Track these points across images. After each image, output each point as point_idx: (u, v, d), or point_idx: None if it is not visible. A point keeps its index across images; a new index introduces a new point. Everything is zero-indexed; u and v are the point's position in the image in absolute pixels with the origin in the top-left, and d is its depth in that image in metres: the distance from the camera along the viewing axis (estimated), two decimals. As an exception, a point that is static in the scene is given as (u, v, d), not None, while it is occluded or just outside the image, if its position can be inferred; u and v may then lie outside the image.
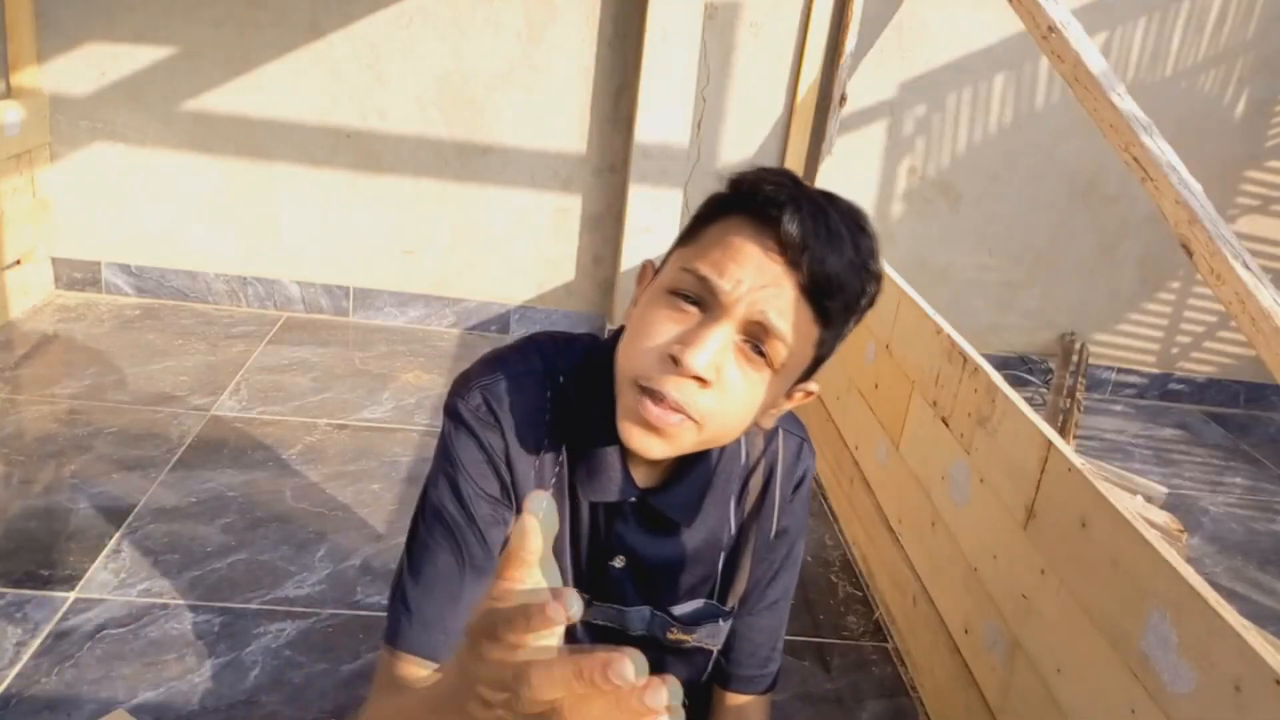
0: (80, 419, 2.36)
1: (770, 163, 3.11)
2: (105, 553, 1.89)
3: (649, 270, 0.86)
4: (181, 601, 1.79)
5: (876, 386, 2.23)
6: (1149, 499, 2.52)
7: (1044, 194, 3.27)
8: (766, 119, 3.11)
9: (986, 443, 1.66)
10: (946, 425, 1.83)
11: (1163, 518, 2.26)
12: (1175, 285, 3.44)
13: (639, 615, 0.96)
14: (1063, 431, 2.86)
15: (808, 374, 0.84)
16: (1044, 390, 3.31)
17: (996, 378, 1.68)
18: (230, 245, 3.11)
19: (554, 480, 0.89)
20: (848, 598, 2.10)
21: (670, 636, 0.97)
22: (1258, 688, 1.00)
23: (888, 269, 2.25)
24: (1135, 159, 1.83)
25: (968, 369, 1.76)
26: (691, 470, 0.89)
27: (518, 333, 3.20)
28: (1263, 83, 3.20)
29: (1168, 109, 3.11)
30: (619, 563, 0.92)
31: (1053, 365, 3.39)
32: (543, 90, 3.02)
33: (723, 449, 0.90)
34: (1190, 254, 1.74)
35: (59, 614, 1.72)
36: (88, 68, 2.89)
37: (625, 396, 0.79)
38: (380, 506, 2.17)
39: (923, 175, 3.23)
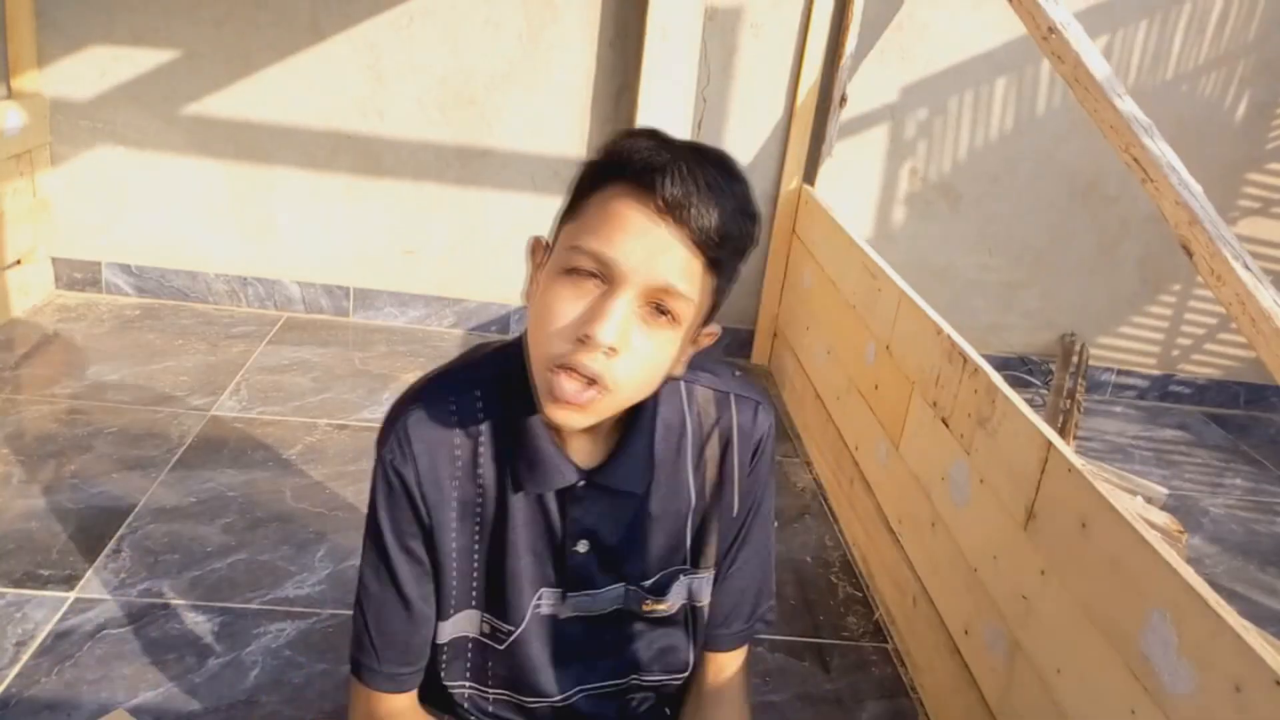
0: (80, 419, 2.36)
1: (771, 163, 3.13)
2: (105, 553, 1.89)
3: (540, 247, 0.90)
4: (181, 601, 1.79)
5: (876, 387, 2.23)
6: (1149, 500, 2.52)
7: (1044, 195, 3.28)
8: (767, 120, 3.11)
9: (987, 443, 1.66)
10: (947, 426, 1.83)
11: (1163, 519, 2.26)
12: (1176, 287, 3.44)
13: (612, 595, 0.98)
14: (1063, 433, 2.86)
15: (708, 318, 0.88)
16: (1044, 391, 3.31)
17: (997, 378, 1.68)
18: (230, 245, 3.11)
19: (479, 489, 0.93)
20: (848, 598, 2.10)
21: (645, 608, 0.99)
22: (1258, 688, 1.00)
23: (886, 268, 2.25)
24: (1135, 160, 1.83)
25: (968, 370, 1.76)
26: (631, 442, 0.92)
27: (518, 333, 3.20)
28: (1264, 85, 3.20)
29: (1169, 111, 3.11)
30: (582, 548, 0.94)
31: (1053, 366, 3.39)
32: (543, 91, 3.02)
33: (658, 415, 0.94)
34: (1190, 255, 1.74)
35: (59, 614, 1.72)
36: (88, 68, 2.89)
37: (541, 378, 0.82)
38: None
39: (924, 176, 3.24)
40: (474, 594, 0.97)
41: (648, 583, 0.99)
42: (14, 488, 2.07)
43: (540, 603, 0.97)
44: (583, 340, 0.79)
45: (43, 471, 2.13)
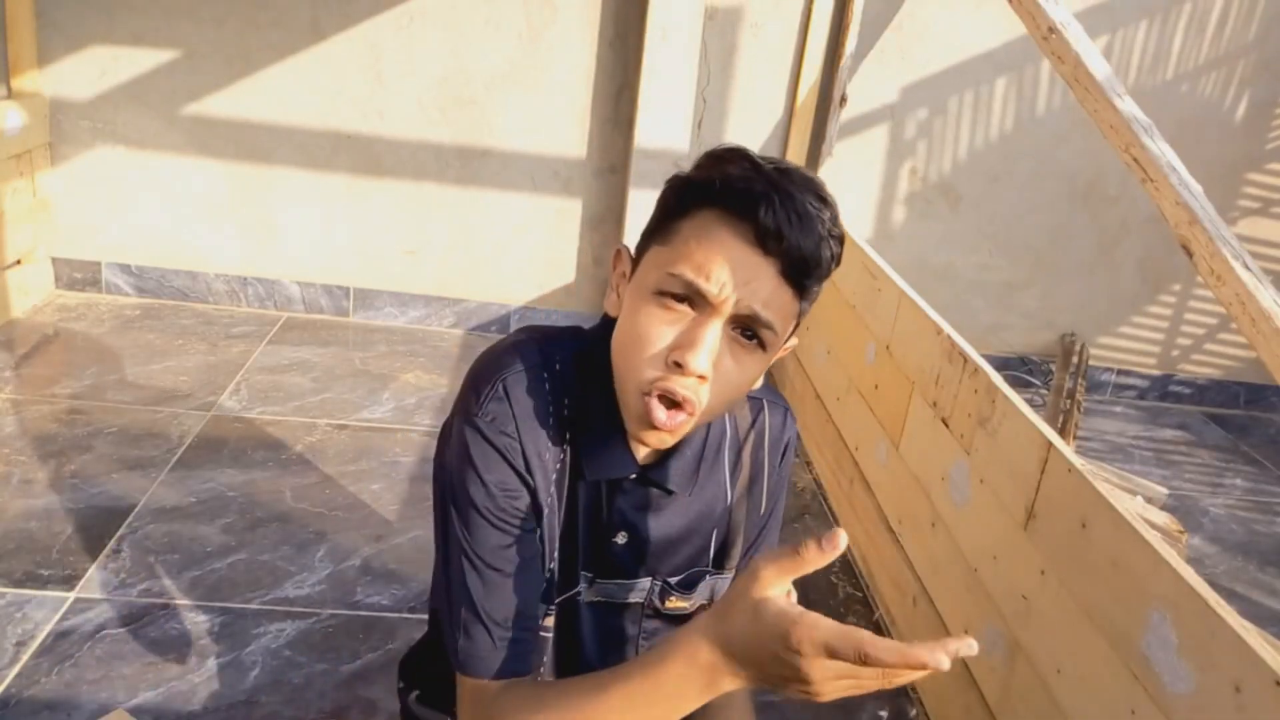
0: (80, 419, 2.36)
1: (771, 163, 3.13)
2: (105, 553, 1.90)
3: (624, 257, 0.90)
4: (181, 601, 1.79)
5: (876, 387, 2.23)
6: (1149, 500, 2.52)
7: (1044, 195, 3.28)
8: (767, 120, 3.11)
9: (987, 443, 1.66)
10: (947, 426, 1.83)
11: (1163, 518, 2.26)
12: (1176, 287, 3.44)
13: (638, 587, 0.99)
14: (1063, 433, 2.86)
15: (790, 335, 0.90)
16: (1044, 391, 3.31)
17: (997, 378, 1.68)
18: (231, 245, 3.11)
19: (558, 466, 0.91)
20: (848, 598, 2.10)
21: (669, 605, 1.00)
22: (1258, 689, 1.00)
23: (886, 269, 2.25)
24: (1135, 160, 1.84)
25: (968, 370, 1.76)
26: (686, 443, 0.93)
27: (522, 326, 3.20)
28: (1263, 85, 3.20)
29: (1169, 111, 3.11)
30: (621, 539, 0.95)
31: (1053, 366, 3.39)
32: (543, 91, 3.02)
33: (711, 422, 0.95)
34: (1190, 255, 1.74)
35: (59, 614, 1.72)
36: (88, 68, 2.89)
37: (632, 400, 0.84)
38: (381, 507, 2.17)
39: (924, 176, 3.24)
40: (554, 580, 0.96)
41: (675, 579, 1.00)
42: (14, 487, 2.07)
43: (580, 589, 0.98)
44: (675, 366, 0.81)
45: (43, 471, 2.13)
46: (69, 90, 2.91)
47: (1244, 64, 3.18)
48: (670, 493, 0.94)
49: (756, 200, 0.78)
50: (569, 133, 3.07)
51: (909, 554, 1.95)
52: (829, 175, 3.12)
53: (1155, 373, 3.54)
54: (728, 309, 0.80)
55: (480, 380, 0.89)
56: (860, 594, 2.12)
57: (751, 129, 3.11)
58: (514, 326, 3.23)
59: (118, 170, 3.00)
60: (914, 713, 1.80)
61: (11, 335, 2.78)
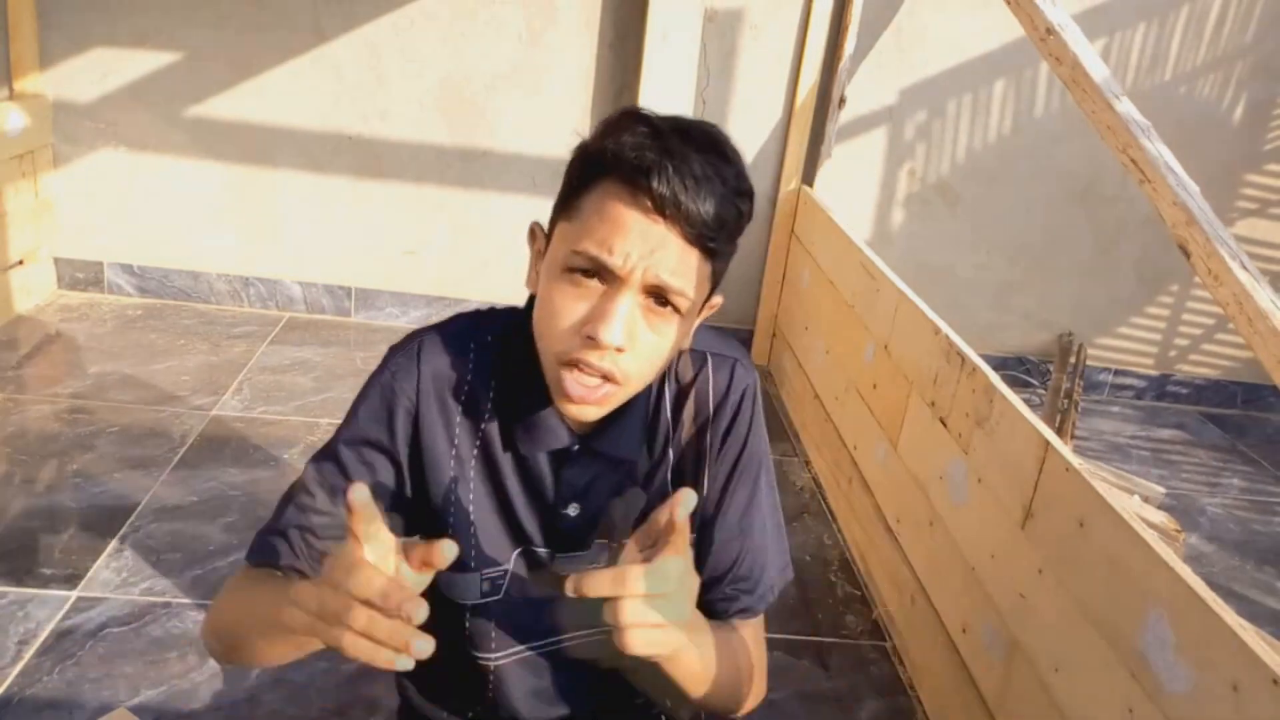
0: (83, 418, 2.37)
1: (770, 164, 3.13)
2: (107, 551, 1.90)
3: (539, 234, 0.92)
4: (183, 600, 1.80)
5: (875, 387, 2.24)
6: (1147, 499, 2.53)
7: (1042, 195, 3.28)
8: (766, 121, 3.12)
9: (984, 443, 1.66)
10: (945, 425, 1.83)
11: (1160, 518, 2.27)
12: (1173, 287, 3.45)
13: (602, 560, 0.97)
14: (1061, 432, 2.87)
15: (710, 294, 0.90)
16: (1042, 391, 3.32)
17: (994, 378, 1.68)
18: (232, 245, 3.12)
19: (478, 440, 0.93)
20: (846, 597, 2.11)
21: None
22: (1255, 688, 1.01)
23: (884, 269, 2.26)
24: (1133, 161, 1.84)
25: (966, 369, 1.77)
26: (630, 410, 0.92)
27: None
28: (1261, 86, 3.21)
29: (1167, 113, 3.12)
30: (573, 510, 0.94)
31: (1051, 366, 3.40)
32: (543, 92, 3.03)
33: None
34: (1188, 255, 1.74)
35: (61, 613, 1.73)
36: (90, 69, 2.90)
37: (552, 374, 0.85)
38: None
39: (922, 178, 3.24)
40: (472, 552, 0.95)
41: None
42: (16, 487, 2.07)
43: (520, 560, 0.97)
44: (589, 340, 0.81)
45: (45, 471, 2.14)
46: (71, 91, 2.92)
47: (1241, 65, 3.19)
48: (622, 460, 0.94)
49: (649, 168, 0.78)
50: (569, 134, 3.05)
51: (907, 553, 1.96)
52: (828, 176, 3.12)
53: (1153, 373, 3.55)
54: (635, 280, 0.80)
55: (400, 342, 0.94)
56: (859, 593, 2.12)
57: (751, 130, 3.11)
58: (514, 327, 3.24)
59: (120, 171, 3.01)
60: (912, 711, 1.81)
61: (14, 335, 2.79)
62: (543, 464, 0.94)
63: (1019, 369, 3.45)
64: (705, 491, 0.98)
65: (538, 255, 0.91)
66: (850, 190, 3.20)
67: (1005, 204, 3.28)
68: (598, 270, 0.81)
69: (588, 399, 0.83)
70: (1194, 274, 1.81)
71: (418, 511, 0.95)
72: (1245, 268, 1.65)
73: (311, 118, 3.00)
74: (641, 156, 0.79)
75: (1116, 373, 3.53)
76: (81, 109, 2.94)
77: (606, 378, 0.82)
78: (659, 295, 0.82)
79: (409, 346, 0.93)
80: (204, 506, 2.08)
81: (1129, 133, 1.84)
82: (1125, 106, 1.87)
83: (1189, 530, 2.57)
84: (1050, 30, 2.00)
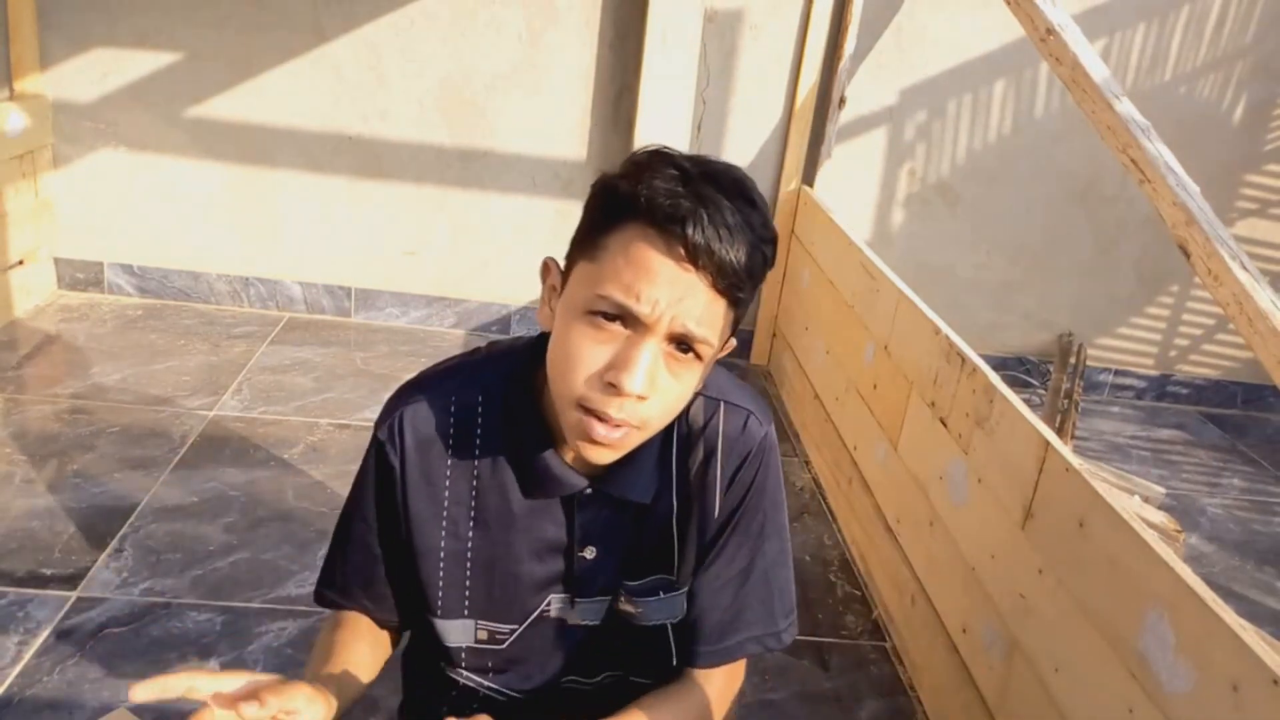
0: (83, 418, 2.37)
1: (770, 165, 3.13)
2: (107, 552, 1.90)
3: (554, 270, 0.89)
4: (183, 600, 1.80)
5: (875, 387, 2.24)
6: (1147, 499, 2.53)
7: (1042, 196, 3.28)
8: (766, 121, 3.12)
9: (984, 443, 1.67)
10: (945, 425, 1.83)
11: (1160, 518, 2.27)
12: (1173, 287, 3.45)
13: (604, 603, 0.97)
14: (1061, 433, 2.87)
15: (725, 341, 0.88)
16: (1042, 391, 3.32)
17: (994, 378, 1.68)
18: (232, 246, 3.12)
19: (474, 488, 0.93)
20: (846, 597, 2.11)
21: (620, 606, 0.97)
22: (1255, 688, 1.01)
23: (885, 269, 2.26)
24: (1133, 161, 1.84)
25: (966, 369, 1.77)
26: (642, 452, 0.90)
27: (518, 334, 3.21)
28: (1261, 86, 3.21)
29: (1167, 113, 3.12)
30: (589, 553, 0.94)
31: (1051, 367, 3.40)
32: (543, 92, 3.03)
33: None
34: (1188, 255, 1.74)
35: (61, 613, 1.73)
36: (90, 69, 2.90)
37: (569, 416, 0.83)
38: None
39: (922, 178, 3.24)
40: (466, 602, 0.96)
41: (635, 584, 0.97)
42: (17, 487, 2.07)
43: (549, 607, 0.97)
44: (610, 387, 0.79)
45: (45, 471, 2.14)
46: (71, 91, 2.92)
47: (1241, 65, 3.19)
48: (632, 504, 0.93)
49: (684, 216, 0.76)
50: (569, 134, 3.08)
51: (907, 553, 1.96)
52: (828, 176, 3.12)
53: (1153, 373, 3.55)
54: (661, 328, 0.79)
55: (386, 408, 0.95)
56: (859, 593, 2.12)
57: (751, 130, 3.11)
58: (514, 327, 3.24)
59: (120, 171, 3.01)
60: (912, 711, 1.81)
61: (14, 335, 2.79)
62: (556, 507, 0.93)
63: (1019, 369, 3.45)
64: (699, 540, 0.96)
65: (552, 291, 0.88)
66: (850, 190, 3.20)
67: (1005, 204, 3.28)
68: (622, 315, 0.79)
69: (607, 442, 0.82)
70: (1194, 274, 1.81)
71: (415, 566, 0.97)
72: (1245, 268, 1.65)
73: (311, 118, 3.00)
74: (676, 204, 0.77)
75: (1116, 373, 3.53)
76: (81, 109, 2.94)
77: (624, 425, 0.81)
78: (682, 342, 0.80)
79: (394, 416, 0.93)
80: (204, 507, 2.08)
81: (1129, 133, 1.84)
82: (1125, 107, 1.87)
83: (1189, 530, 2.57)
84: (1050, 30, 2.00)
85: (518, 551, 0.94)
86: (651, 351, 0.79)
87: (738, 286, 0.80)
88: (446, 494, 0.93)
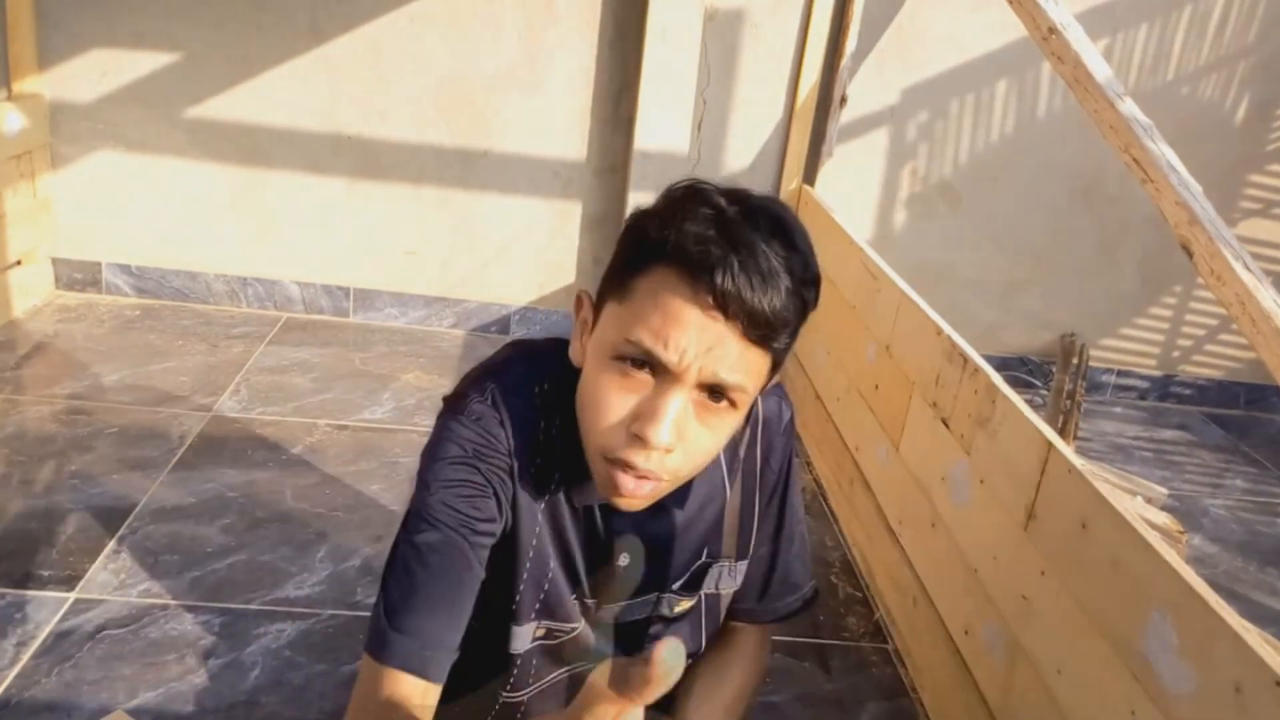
0: (80, 419, 2.36)
1: (771, 164, 3.12)
2: (105, 553, 1.90)
3: (586, 304, 0.87)
4: (181, 602, 1.79)
5: (876, 388, 2.23)
6: (1149, 500, 2.52)
7: (1044, 195, 3.28)
8: (767, 120, 3.11)
9: (987, 444, 1.66)
10: (947, 426, 1.83)
11: (1163, 519, 2.26)
12: (1176, 287, 3.44)
13: (645, 604, 0.98)
14: (1063, 433, 2.86)
15: (767, 382, 0.86)
16: (1044, 392, 3.31)
17: (997, 379, 1.68)
18: (230, 246, 3.11)
19: (548, 491, 0.90)
20: (848, 599, 2.10)
21: (677, 609, 1.00)
22: (1258, 689, 1.00)
23: (886, 269, 2.25)
24: (1135, 160, 1.84)
25: (968, 370, 1.76)
26: None
27: (518, 334, 3.21)
28: (1264, 86, 3.20)
29: (1169, 113, 3.11)
30: (624, 560, 0.93)
31: (1053, 367, 3.39)
32: (543, 92, 3.02)
33: None
34: (1191, 255, 1.74)
35: (59, 614, 1.72)
36: (89, 69, 2.89)
37: (597, 466, 0.82)
38: (381, 507, 2.17)
39: (924, 177, 3.24)
40: (537, 604, 0.94)
41: (679, 583, 0.98)
42: (14, 488, 2.07)
43: (581, 613, 0.98)
44: (636, 439, 0.77)
45: (43, 472, 2.13)
46: (69, 91, 2.91)
47: (1244, 66, 3.18)
48: (667, 509, 0.92)
49: (714, 263, 0.74)
50: (569, 133, 3.07)
51: (909, 554, 1.95)
52: (829, 176, 3.12)
53: (1155, 373, 3.54)
54: (690, 377, 0.76)
55: (473, 383, 0.88)
56: (860, 594, 2.12)
57: (751, 129, 3.10)
58: (514, 328, 3.23)
59: (118, 171, 3.00)
60: (914, 713, 1.80)
61: (11, 336, 2.78)
62: (594, 513, 0.92)
63: (1021, 370, 3.45)
64: (758, 516, 1.01)
65: (583, 326, 0.86)
66: (852, 190, 3.19)
67: (1007, 204, 3.28)
68: (650, 363, 0.77)
69: (635, 494, 0.80)
70: (1197, 274, 1.80)
71: (509, 564, 0.91)
72: (1248, 268, 1.64)
73: (310, 118, 3.00)
74: (706, 252, 0.74)
75: (1119, 373, 3.52)
76: (80, 109, 2.93)
77: (648, 477, 0.79)
78: (714, 391, 0.78)
79: (484, 393, 0.86)
80: (202, 508, 2.08)
81: (1131, 132, 1.83)
82: (1128, 106, 1.87)
83: (1192, 531, 2.56)
84: (1052, 30, 1.99)
85: (570, 556, 0.93)
86: (679, 402, 0.77)
87: (771, 337, 0.78)
88: (529, 479, 0.88)
